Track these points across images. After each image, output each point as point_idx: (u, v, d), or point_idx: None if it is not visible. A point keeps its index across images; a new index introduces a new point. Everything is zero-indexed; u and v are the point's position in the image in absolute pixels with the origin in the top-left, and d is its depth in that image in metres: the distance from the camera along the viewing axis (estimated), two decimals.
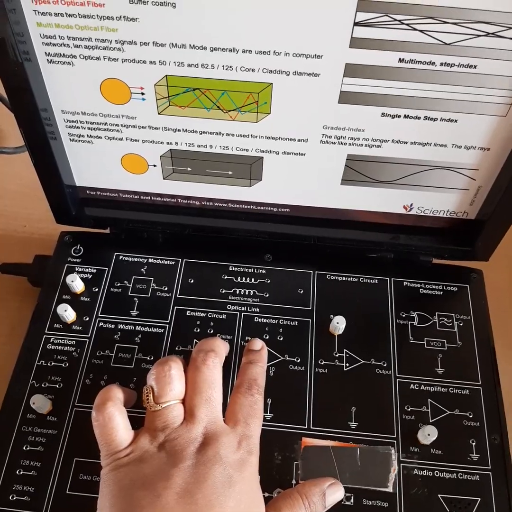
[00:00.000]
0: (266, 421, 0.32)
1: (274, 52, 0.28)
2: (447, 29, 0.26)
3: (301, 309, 0.36)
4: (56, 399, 0.32)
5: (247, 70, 0.29)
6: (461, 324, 0.35)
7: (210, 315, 0.35)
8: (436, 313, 0.35)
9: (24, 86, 0.29)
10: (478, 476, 0.31)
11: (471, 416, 0.32)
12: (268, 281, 0.37)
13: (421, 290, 0.36)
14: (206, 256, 0.37)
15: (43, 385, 0.32)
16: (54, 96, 0.31)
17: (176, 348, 0.34)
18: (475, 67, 0.27)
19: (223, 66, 0.29)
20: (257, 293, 0.36)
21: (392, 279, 0.37)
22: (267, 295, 0.36)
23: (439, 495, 0.30)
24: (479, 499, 0.30)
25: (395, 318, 0.35)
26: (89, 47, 0.28)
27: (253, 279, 0.37)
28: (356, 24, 0.26)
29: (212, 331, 0.34)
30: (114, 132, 0.32)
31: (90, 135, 0.33)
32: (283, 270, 0.37)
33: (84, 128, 0.32)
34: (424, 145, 0.31)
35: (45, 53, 0.29)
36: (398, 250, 0.37)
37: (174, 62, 0.29)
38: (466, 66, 0.27)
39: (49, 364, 0.33)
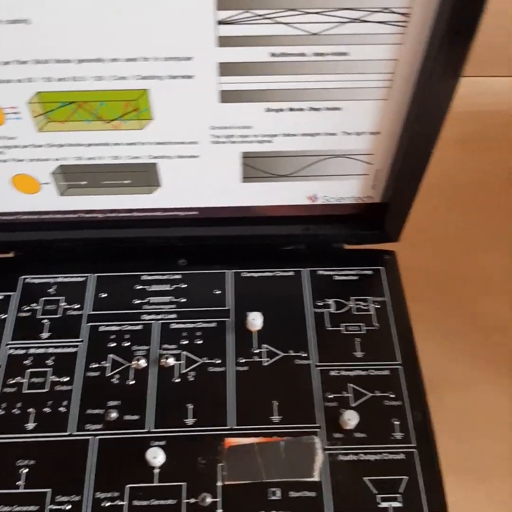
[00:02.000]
0: (188, 427, 0.31)
1: (142, 58, 0.27)
2: (311, 19, 0.26)
3: (218, 310, 0.35)
4: None
5: (118, 78, 0.28)
6: (378, 306, 0.35)
7: (124, 327, 0.34)
8: (352, 298, 0.35)
9: None
10: (403, 455, 0.31)
11: (392, 396, 0.33)
12: (184, 286, 0.36)
13: (336, 277, 0.36)
14: (117, 268, 0.36)
15: None
16: None
17: (92, 366, 0.33)
18: (347, 54, 0.27)
19: (93, 77, 0.28)
20: (173, 299, 0.36)
21: (307, 269, 0.37)
22: (184, 300, 0.36)
23: (365, 478, 0.30)
24: (406, 477, 0.30)
25: (312, 308, 0.35)
26: None
27: (167, 286, 0.36)
28: (219, 22, 0.26)
29: (128, 344, 0.34)
30: None
31: None
32: (199, 273, 0.37)
33: None
34: (314, 136, 0.31)
35: None
36: (310, 241, 0.37)
37: (43, 78, 0.27)
38: (338, 54, 0.27)
39: None
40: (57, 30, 0.25)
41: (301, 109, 0.30)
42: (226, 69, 0.28)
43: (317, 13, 0.25)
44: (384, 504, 0.30)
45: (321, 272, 0.37)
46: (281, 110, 0.30)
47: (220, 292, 0.36)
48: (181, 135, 0.31)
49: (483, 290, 0.41)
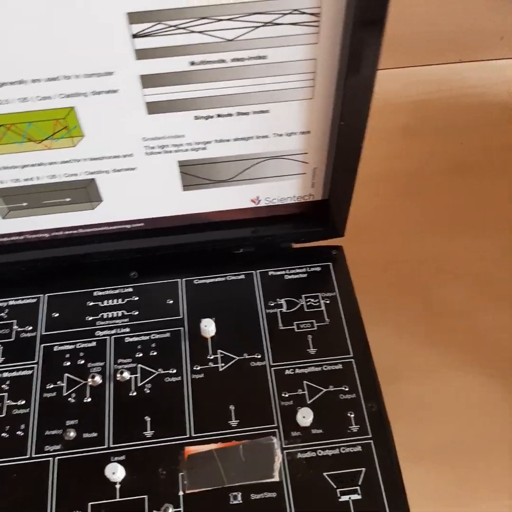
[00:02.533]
0: (147, 439, 0.32)
1: (63, 76, 0.27)
2: (224, 26, 0.26)
3: (172, 319, 0.35)
4: None
5: (43, 98, 0.28)
6: (328, 302, 0.36)
7: (78, 345, 0.34)
8: (303, 295, 0.36)
9: None
10: (360, 447, 0.31)
11: (346, 389, 0.33)
12: (136, 299, 0.36)
13: (286, 276, 0.37)
14: (68, 287, 0.36)
15: None
16: None
17: (47, 386, 0.33)
18: (265, 57, 0.28)
19: (17, 99, 0.28)
20: (126, 313, 0.36)
21: (257, 271, 0.37)
22: (137, 313, 0.36)
23: (324, 474, 0.31)
24: (364, 469, 0.31)
25: (264, 309, 0.35)
26: None
27: (120, 300, 0.36)
28: (134, 36, 0.26)
29: (83, 362, 0.34)
30: None
31: None
32: (151, 284, 0.37)
33: None
34: (247, 140, 0.32)
35: None
36: (259, 242, 0.37)
37: None
38: (257, 58, 0.28)
39: None
40: None
41: (230, 115, 0.30)
42: (148, 81, 0.28)
43: (229, 19, 0.26)
44: (344, 498, 0.30)
45: (271, 273, 0.37)
46: (211, 117, 0.30)
47: (172, 301, 0.36)
48: (114, 149, 0.31)
49: (433, 276, 0.42)
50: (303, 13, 0.26)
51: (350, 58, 0.26)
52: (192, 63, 0.27)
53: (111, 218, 0.35)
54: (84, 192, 0.33)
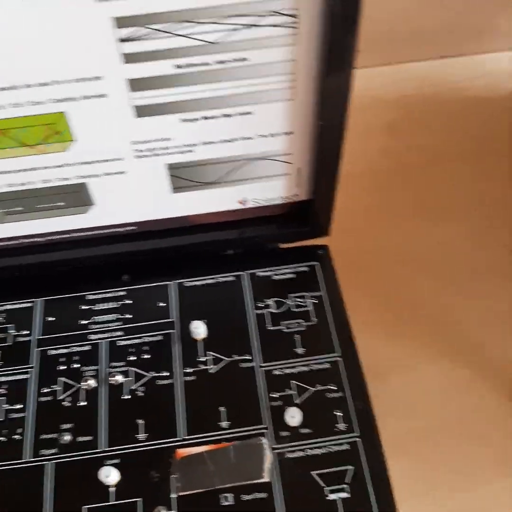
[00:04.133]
0: (140, 442, 0.32)
1: (54, 81, 0.28)
2: (206, 29, 0.27)
3: (163, 322, 0.36)
4: None
5: (35, 103, 0.29)
6: (315, 301, 0.36)
7: (73, 349, 0.35)
8: (290, 295, 0.36)
9: None
10: (347, 445, 0.31)
11: (334, 388, 0.33)
12: (129, 302, 0.37)
13: (274, 277, 0.37)
14: (62, 291, 0.37)
15: None
16: None
17: (43, 390, 0.33)
18: (247, 59, 0.29)
19: (10, 104, 0.29)
20: (119, 317, 0.36)
21: (246, 272, 0.38)
22: (130, 316, 0.36)
23: (313, 473, 0.31)
24: (352, 466, 0.31)
25: (253, 309, 0.36)
26: None
27: (113, 303, 0.37)
28: (122, 40, 0.27)
29: (77, 365, 0.34)
30: None
31: None
32: (143, 287, 0.37)
33: None
34: (232, 141, 0.33)
35: None
36: (246, 244, 0.38)
37: None
38: (239, 59, 0.29)
39: None
40: None
41: (214, 117, 0.31)
42: (136, 84, 0.29)
43: (211, 22, 0.27)
44: (332, 496, 0.30)
45: (260, 274, 0.37)
46: (196, 119, 0.31)
47: (164, 304, 0.37)
48: (105, 153, 0.32)
49: (416, 271, 0.42)
50: (282, 14, 0.27)
51: (326, 57, 0.28)
52: (178, 66, 0.29)
53: (104, 222, 0.36)
54: (77, 196, 0.34)
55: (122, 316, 0.36)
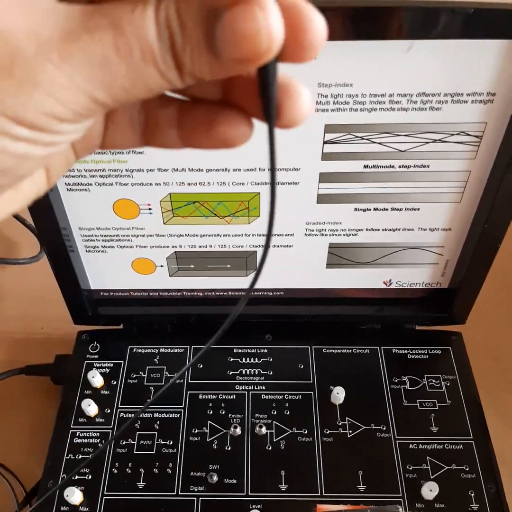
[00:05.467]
0: (281, 493, 0.35)
1: (258, 168, 0.33)
2: (400, 140, 0.32)
3: (303, 383, 0.39)
4: (86, 489, 0.35)
5: (237, 184, 0.34)
6: (448, 384, 0.39)
7: (220, 396, 0.38)
8: (425, 375, 0.39)
9: (48, 210, 0.34)
10: None
11: (467, 469, 0.35)
12: (271, 360, 0.40)
13: (409, 356, 0.40)
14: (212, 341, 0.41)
15: (73, 477, 0.35)
16: (72, 217, 0.36)
17: (193, 431, 0.37)
18: (428, 166, 0.33)
19: (217, 182, 0.34)
20: (261, 372, 0.40)
21: (382, 347, 0.40)
22: (271, 373, 0.40)
23: None
24: None
25: (388, 384, 0.39)
26: (103, 175, 0.33)
27: (256, 359, 0.40)
28: (325, 142, 0.32)
29: (223, 412, 0.38)
30: (125, 242, 0.37)
31: (104, 246, 0.37)
32: (283, 347, 0.41)
33: (99, 240, 0.37)
34: (394, 231, 0.36)
35: (65, 183, 0.34)
36: (384, 321, 0.41)
37: (176, 182, 0.34)
38: (421, 166, 0.33)
39: (77, 457, 0.36)
40: None
41: (384, 209, 0.35)
42: (325, 177, 0.33)
43: (406, 135, 0.31)
44: None
45: (395, 351, 0.40)
46: (368, 210, 0.35)
47: (303, 366, 0.40)
48: (280, 228, 0.36)
49: None
50: (468, 134, 0.31)
51: (501, 177, 0.31)
52: (366, 166, 0.33)
53: (259, 285, 0.40)
54: (244, 261, 0.38)
55: (265, 372, 0.40)
